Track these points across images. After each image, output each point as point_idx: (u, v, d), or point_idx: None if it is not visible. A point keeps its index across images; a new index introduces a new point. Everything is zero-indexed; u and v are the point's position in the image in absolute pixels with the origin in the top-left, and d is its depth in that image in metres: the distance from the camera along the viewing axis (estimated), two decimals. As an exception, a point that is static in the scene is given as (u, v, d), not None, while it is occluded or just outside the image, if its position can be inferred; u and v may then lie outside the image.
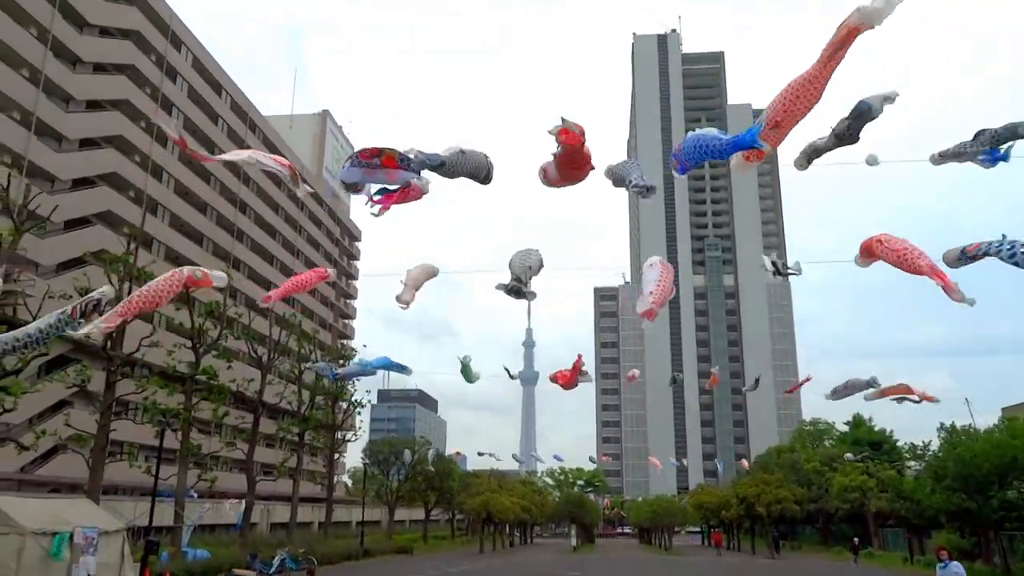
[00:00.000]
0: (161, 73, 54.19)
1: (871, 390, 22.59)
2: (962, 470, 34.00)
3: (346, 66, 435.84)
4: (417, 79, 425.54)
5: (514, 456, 68.72)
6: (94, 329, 9.68)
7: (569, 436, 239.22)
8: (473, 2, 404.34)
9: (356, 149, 10.42)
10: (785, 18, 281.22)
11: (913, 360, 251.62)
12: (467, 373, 22.56)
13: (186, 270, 10.81)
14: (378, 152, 10.08)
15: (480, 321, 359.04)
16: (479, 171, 9.95)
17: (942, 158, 11.13)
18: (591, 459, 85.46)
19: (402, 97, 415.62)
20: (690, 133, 9.02)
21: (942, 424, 40.48)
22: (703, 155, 8.89)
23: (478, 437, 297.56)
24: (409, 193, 10.55)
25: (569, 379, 20.38)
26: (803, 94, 7.72)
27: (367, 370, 19.03)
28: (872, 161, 12.02)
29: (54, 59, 43.99)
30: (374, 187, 10.67)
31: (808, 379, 30.02)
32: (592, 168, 9.62)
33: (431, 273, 13.04)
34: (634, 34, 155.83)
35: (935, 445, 43.36)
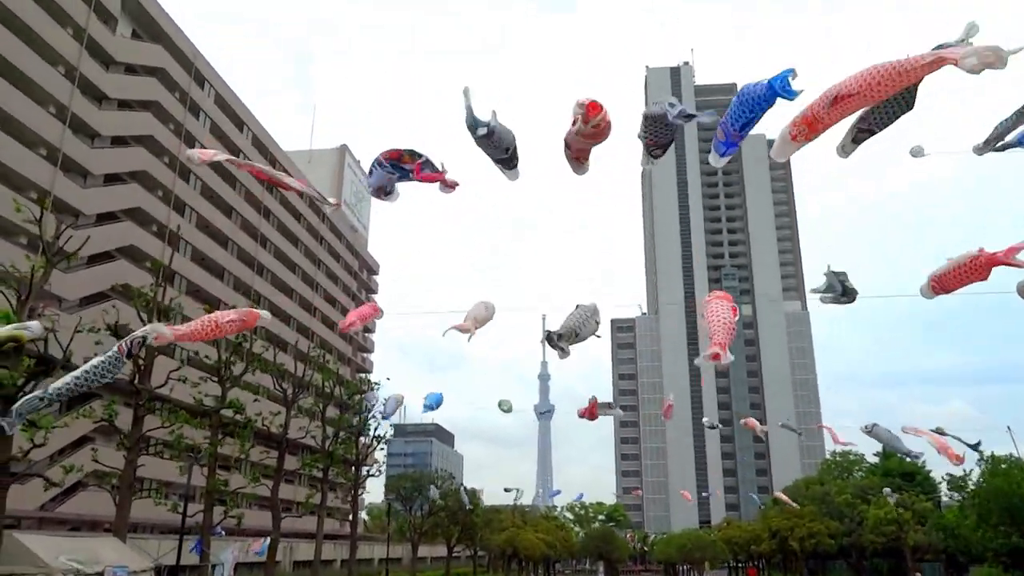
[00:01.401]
0: (184, 109, 54.68)
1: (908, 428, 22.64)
2: (1007, 503, 32.94)
3: (346, 66, 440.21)
4: (417, 79, 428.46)
5: (535, 496, 67.72)
6: (160, 333, 9.49)
7: (586, 469, 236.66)
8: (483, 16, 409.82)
9: (379, 153, 10.28)
10: (796, 50, 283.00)
11: (935, 388, 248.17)
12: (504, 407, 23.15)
13: (258, 312, 10.62)
14: (400, 155, 9.94)
15: (494, 351, 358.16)
16: (511, 147, 9.52)
17: (986, 146, 10.50)
18: (625, 491, 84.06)
19: (402, 97, 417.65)
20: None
21: (981, 454, 39.32)
22: (745, 113, 8.17)
23: (494, 471, 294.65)
24: (445, 180, 10.39)
25: (590, 414, 21.03)
26: (886, 81, 6.84)
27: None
28: (917, 152, 11.60)
29: (81, 96, 44.43)
30: (402, 186, 10.62)
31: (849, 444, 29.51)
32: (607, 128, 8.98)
33: (492, 311, 12.90)
34: (647, 67, 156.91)
35: (975, 474, 42.08)
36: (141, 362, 25.11)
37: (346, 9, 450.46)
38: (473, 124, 8.86)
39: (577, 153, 9.82)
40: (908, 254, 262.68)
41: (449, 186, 10.40)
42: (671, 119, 8.58)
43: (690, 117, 8.59)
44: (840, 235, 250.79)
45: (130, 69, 49.82)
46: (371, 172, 10.33)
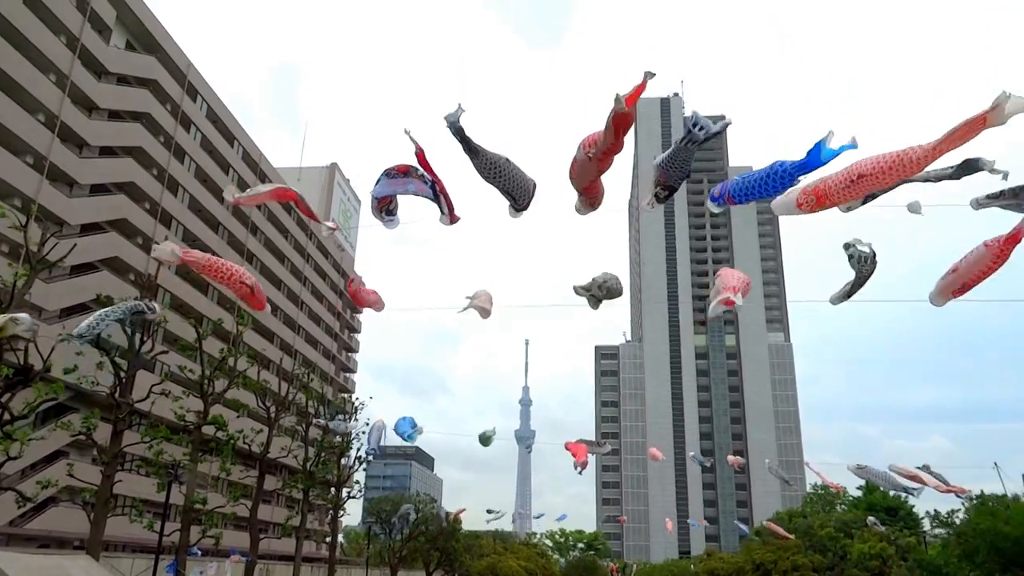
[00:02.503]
0: (175, 122, 54.34)
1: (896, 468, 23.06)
2: (996, 542, 32.81)
3: (334, 86, 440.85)
4: (404, 107, 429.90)
5: (513, 520, 67.03)
6: (171, 256, 9.60)
7: (565, 496, 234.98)
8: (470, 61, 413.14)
9: (389, 166, 10.14)
10: (786, 84, 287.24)
11: (914, 424, 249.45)
12: (485, 439, 23.02)
13: (249, 277, 10.44)
14: (409, 170, 9.89)
15: (474, 376, 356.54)
16: (519, 190, 9.33)
17: (988, 200, 10.33)
18: (609, 518, 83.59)
19: (388, 120, 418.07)
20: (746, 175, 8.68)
21: (970, 496, 39.27)
22: (755, 194, 8.53)
23: (473, 496, 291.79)
24: (451, 209, 10.21)
25: (582, 464, 21.56)
26: (901, 166, 7.18)
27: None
28: (914, 209, 11.38)
29: (71, 105, 44.00)
30: (403, 199, 10.49)
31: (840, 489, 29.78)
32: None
33: (490, 302, 12.72)
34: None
35: (962, 512, 41.98)
36: (123, 375, 24.54)
37: (338, 37, 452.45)
38: (454, 124, 8.59)
39: (589, 186, 9.58)
40: (894, 279, 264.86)
41: (452, 218, 10.24)
42: (696, 132, 8.33)
43: (708, 136, 8.42)
44: (826, 264, 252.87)
45: (122, 80, 49.48)
46: (378, 182, 10.11)
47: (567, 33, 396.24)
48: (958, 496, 24.76)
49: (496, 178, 9.15)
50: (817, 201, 8.00)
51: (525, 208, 9.70)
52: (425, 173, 9.86)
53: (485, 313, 12.76)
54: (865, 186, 7.58)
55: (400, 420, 21.56)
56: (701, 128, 8.10)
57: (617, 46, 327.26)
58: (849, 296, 10.61)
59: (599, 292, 10.83)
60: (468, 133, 8.65)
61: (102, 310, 10.33)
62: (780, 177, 8.11)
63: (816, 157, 7.92)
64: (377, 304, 13.41)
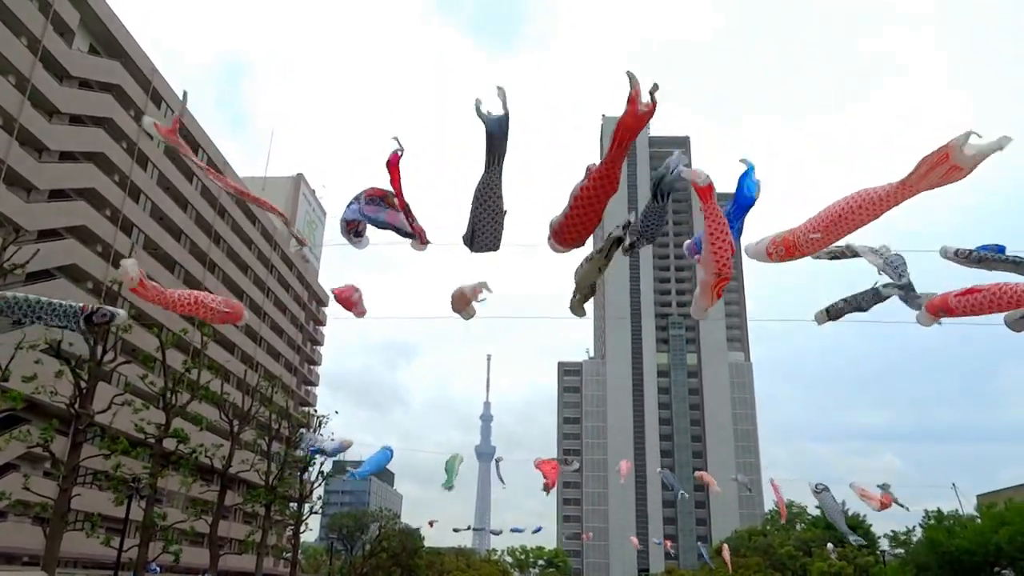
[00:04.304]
0: (139, 128, 53.34)
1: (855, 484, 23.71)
2: (947, 560, 33.53)
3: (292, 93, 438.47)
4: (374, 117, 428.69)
5: (472, 537, 66.48)
6: (128, 275, 9.25)
7: (524, 511, 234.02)
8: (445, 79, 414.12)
9: (362, 190, 10.00)
10: (750, 105, 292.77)
11: (868, 443, 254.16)
12: (449, 472, 22.86)
13: (217, 299, 10.15)
14: (385, 194, 9.72)
15: (432, 389, 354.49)
16: (487, 233, 9.08)
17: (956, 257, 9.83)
18: (573, 536, 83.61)
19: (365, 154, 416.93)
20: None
21: (927, 511, 40.14)
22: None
23: (432, 511, 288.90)
24: (422, 235, 10.04)
25: (552, 481, 22.05)
26: (870, 204, 7.08)
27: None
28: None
29: (31, 108, 42.94)
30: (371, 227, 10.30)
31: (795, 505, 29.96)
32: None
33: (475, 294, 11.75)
34: (603, 115, 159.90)
35: (919, 532, 42.82)
36: (84, 385, 23.86)
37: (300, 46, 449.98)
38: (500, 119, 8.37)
39: (587, 211, 9.17)
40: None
41: (422, 242, 10.07)
42: (673, 173, 8.52)
43: (672, 188, 8.92)
44: (784, 284, 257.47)
45: (85, 84, 48.49)
46: (348, 205, 10.01)
47: (552, 40, 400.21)
48: (904, 508, 25.56)
49: (482, 203, 8.84)
50: (787, 252, 8.19)
51: (472, 249, 9.36)
52: (396, 199, 9.65)
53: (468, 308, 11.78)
54: (833, 234, 7.55)
55: (382, 452, 20.67)
56: (665, 187, 8.43)
57: (585, 61, 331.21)
58: (836, 317, 10.66)
59: (586, 290, 10.57)
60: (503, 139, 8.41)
61: (38, 297, 9.08)
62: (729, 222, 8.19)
63: (744, 193, 8.23)
64: (358, 306, 12.93)
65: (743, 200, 8.42)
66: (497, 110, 8.34)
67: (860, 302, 10.09)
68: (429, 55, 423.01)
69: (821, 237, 7.66)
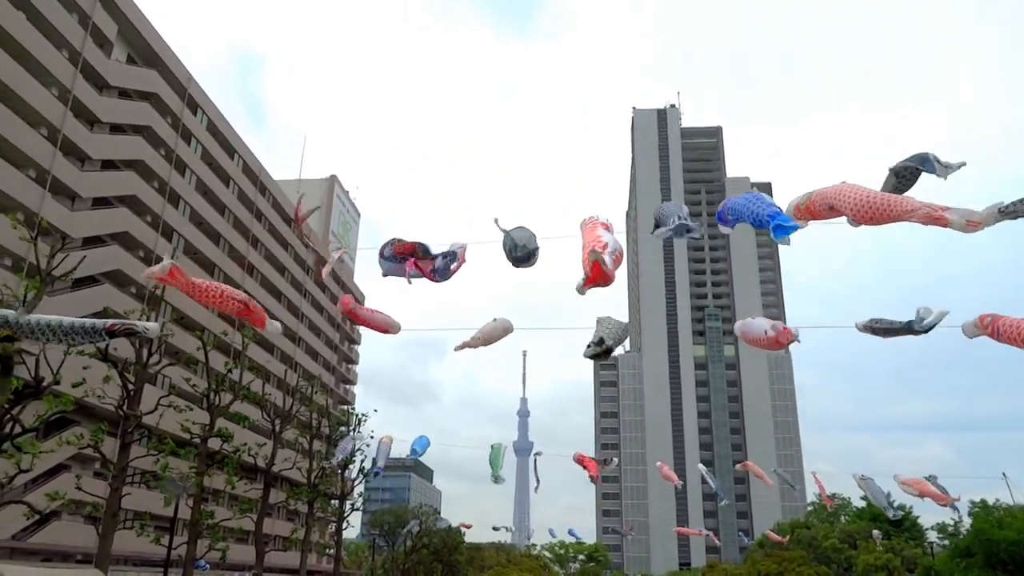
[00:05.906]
0: (176, 135, 54.40)
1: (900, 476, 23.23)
2: (994, 550, 32.84)
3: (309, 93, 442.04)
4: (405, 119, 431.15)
5: (512, 532, 66.79)
6: (160, 270, 9.74)
7: (560, 507, 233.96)
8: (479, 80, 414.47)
9: (389, 240, 10.88)
10: (782, 96, 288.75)
11: (911, 433, 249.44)
12: (494, 464, 23.35)
13: (240, 294, 10.62)
14: (413, 248, 10.88)
15: (474, 386, 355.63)
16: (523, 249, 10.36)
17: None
18: (611, 530, 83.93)
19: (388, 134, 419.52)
20: (745, 195, 9.89)
21: (972, 502, 39.29)
22: (746, 215, 9.69)
23: (471, 507, 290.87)
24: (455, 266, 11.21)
25: (592, 469, 22.58)
26: (868, 207, 7.81)
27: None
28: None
29: (73, 119, 44.02)
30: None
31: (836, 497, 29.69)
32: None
33: (507, 329, 12.43)
34: (634, 108, 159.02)
35: (967, 522, 41.94)
36: (131, 387, 24.46)
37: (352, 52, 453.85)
38: (515, 249, 9.57)
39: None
40: (887, 291, 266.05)
41: (461, 261, 10.89)
42: (672, 226, 9.93)
43: (691, 231, 9.84)
44: (824, 274, 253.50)
45: (123, 93, 49.55)
46: (382, 256, 11.20)
47: (568, 32, 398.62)
48: (953, 508, 24.95)
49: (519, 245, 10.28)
50: (809, 215, 8.99)
51: (509, 254, 10.55)
52: (428, 249, 10.63)
53: (488, 340, 12.63)
54: (842, 212, 8.34)
55: (418, 439, 22.71)
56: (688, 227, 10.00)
57: (615, 53, 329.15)
58: (881, 333, 10.64)
59: (612, 344, 11.21)
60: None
61: (62, 319, 9.27)
62: (759, 219, 9.23)
63: (777, 222, 8.79)
64: (391, 327, 13.33)
65: (768, 223, 8.94)
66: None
67: (895, 327, 10.52)
68: (441, 57, 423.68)
69: (832, 213, 8.49)
